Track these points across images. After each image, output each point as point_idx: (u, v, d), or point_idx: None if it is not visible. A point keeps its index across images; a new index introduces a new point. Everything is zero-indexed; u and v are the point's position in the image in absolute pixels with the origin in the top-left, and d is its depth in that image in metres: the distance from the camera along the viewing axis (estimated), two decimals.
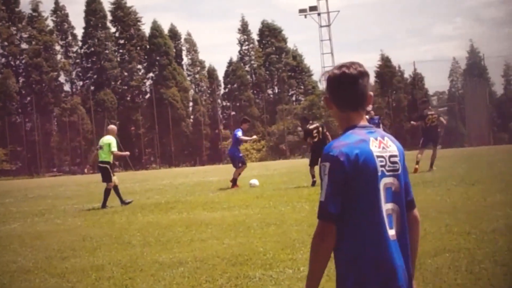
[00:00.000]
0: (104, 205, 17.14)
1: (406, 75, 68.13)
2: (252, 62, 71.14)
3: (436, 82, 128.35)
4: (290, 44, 72.12)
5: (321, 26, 65.34)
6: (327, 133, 19.94)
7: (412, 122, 22.83)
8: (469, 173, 18.07)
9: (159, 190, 21.94)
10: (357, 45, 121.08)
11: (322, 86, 67.53)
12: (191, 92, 70.38)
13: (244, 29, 71.76)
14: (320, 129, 19.50)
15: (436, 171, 19.55)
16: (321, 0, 65.20)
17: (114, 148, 17.50)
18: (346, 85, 3.19)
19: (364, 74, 3.20)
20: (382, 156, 3.18)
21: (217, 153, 65.16)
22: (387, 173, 3.18)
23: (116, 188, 17.45)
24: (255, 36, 71.84)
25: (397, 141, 3.35)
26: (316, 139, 19.25)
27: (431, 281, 6.58)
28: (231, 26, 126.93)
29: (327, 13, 65.16)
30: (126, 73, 68.28)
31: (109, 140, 17.59)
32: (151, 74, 68.77)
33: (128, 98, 68.47)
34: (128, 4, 69.05)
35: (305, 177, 22.33)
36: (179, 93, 65.78)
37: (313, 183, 18.64)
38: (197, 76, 71.29)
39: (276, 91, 71.40)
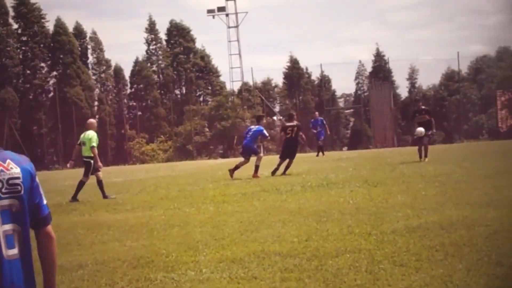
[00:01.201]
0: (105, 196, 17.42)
1: (314, 77, 69.03)
2: (160, 62, 70.47)
3: (343, 84, 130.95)
4: (198, 45, 71.84)
5: (229, 27, 65.42)
6: (301, 134, 21.79)
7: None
8: (372, 174, 18.40)
9: (60, 191, 21.42)
10: (265, 47, 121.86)
11: (231, 86, 67.75)
12: (96, 91, 69.21)
13: (151, 28, 70.98)
14: (295, 128, 21.05)
15: (340, 172, 19.83)
16: (230, 1, 65.27)
17: (93, 143, 17.55)
18: None
19: None
20: None
21: (122, 153, 64.30)
22: (3, 196, 3.29)
23: (100, 182, 17.61)
24: (163, 35, 71.30)
25: (29, 162, 3.48)
26: (289, 136, 20.89)
27: (332, 282, 6.63)
28: (138, 25, 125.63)
29: (235, 14, 65.32)
30: (28, 71, 66.52)
31: (89, 135, 17.69)
32: (54, 73, 67.21)
33: (31, 97, 66.68)
34: (32, 1, 67.35)
35: (211, 178, 22.29)
36: (84, 92, 64.55)
37: (273, 172, 20.85)
38: (102, 75, 70.10)
39: (184, 91, 71.02)
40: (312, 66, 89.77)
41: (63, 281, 7.63)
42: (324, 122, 34.00)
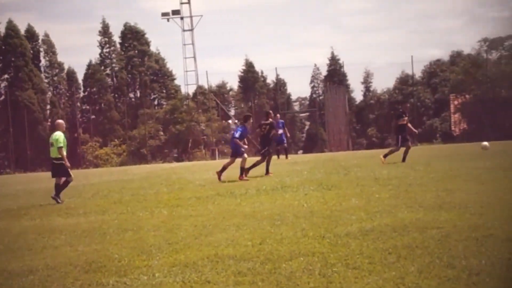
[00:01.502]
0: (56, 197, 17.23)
1: (269, 80, 69.23)
2: (114, 65, 69.97)
3: (298, 88, 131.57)
4: (153, 48, 71.53)
5: (184, 30, 65.27)
6: (273, 131, 22.31)
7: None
8: (327, 178, 18.47)
9: (11, 196, 21.11)
10: (221, 50, 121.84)
11: (186, 90, 67.54)
12: (49, 94, 68.36)
13: (105, 31, 70.35)
14: (268, 126, 21.70)
15: (295, 176, 19.87)
16: (184, 4, 65.09)
17: (60, 144, 17.44)
18: None
19: None
20: None
21: (75, 157, 63.58)
22: None
23: (59, 184, 17.55)
24: (117, 38, 70.74)
25: None
26: (262, 133, 21.64)
27: (285, 285, 6.62)
28: (91, 28, 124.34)
29: (190, 17, 65.17)
30: None
31: (57, 136, 17.55)
32: (6, 76, 66.23)
33: None
34: None
35: (165, 182, 22.17)
36: (36, 95, 63.74)
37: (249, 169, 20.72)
38: (55, 78, 69.30)
39: (138, 95, 70.59)
40: (268, 69, 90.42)
41: (13, 286, 7.51)
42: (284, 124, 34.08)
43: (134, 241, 9.97)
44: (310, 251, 8.03)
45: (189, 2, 65.19)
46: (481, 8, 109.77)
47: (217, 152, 58.75)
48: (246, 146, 20.79)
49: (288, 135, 34.49)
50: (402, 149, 23.08)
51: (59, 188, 17.51)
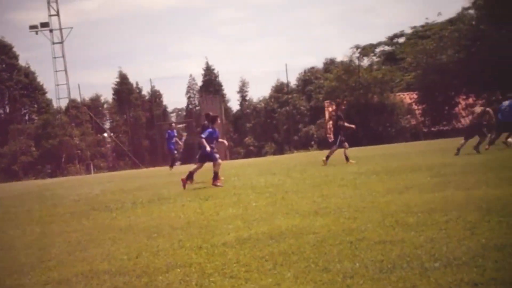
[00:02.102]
0: None
1: (144, 92, 68.50)
2: None
3: (175, 99, 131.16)
4: (22, 61, 69.38)
5: (53, 43, 63.65)
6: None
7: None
8: (204, 188, 18.40)
9: None
10: (93, 63, 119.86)
11: (57, 104, 65.85)
12: None
13: None
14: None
15: (172, 188, 19.65)
16: (53, 17, 63.52)
17: None
18: None
19: None
20: None
21: None
22: None
23: None
24: None
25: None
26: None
27: None
28: None
29: (59, 30, 63.65)
30: None
31: None
32: None
33: None
34: None
35: (38, 198, 21.47)
36: None
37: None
38: None
39: (8, 110, 68.27)
40: (142, 81, 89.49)
41: None
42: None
43: (5, 261, 9.59)
44: (187, 262, 7.94)
45: (58, 15, 63.67)
46: (353, 16, 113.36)
47: (92, 167, 57.59)
48: (209, 148, 18.92)
49: (181, 144, 34.23)
50: (340, 151, 23.62)
51: None
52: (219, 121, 20.88)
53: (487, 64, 45.73)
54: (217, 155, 19.37)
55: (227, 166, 32.58)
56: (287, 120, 62.08)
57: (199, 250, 8.69)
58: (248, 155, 60.26)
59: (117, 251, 9.26)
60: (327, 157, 23.77)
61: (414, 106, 53.98)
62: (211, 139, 19.19)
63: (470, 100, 50.40)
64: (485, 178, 13.60)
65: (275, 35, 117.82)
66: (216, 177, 18.87)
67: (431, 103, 51.85)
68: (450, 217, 9.27)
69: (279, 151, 57.86)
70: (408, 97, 55.92)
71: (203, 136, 19.23)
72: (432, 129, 52.38)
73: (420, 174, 16.17)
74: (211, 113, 20.72)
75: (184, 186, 18.76)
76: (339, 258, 7.38)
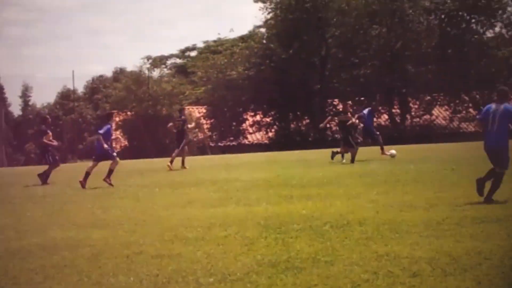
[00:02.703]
0: None
1: None
2: None
3: None
4: None
5: None
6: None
7: None
8: None
9: None
10: None
11: None
12: None
13: None
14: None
15: None
16: None
17: None
18: None
19: None
20: None
21: None
22: None
23: None
24: None
25: None
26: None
27: None
28: None
29: None
30: None
31: None
32: None
33: None
34: None
35: None
36: None
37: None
38: None
39: None
40: None
41: None
42: None
43: None
44: None
45: None
46: (146, 27, 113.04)
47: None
48: (106, 146, 18.23)
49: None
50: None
51: None
52: (114, 117, 20.90)
53: (275, 82, 47.63)
54: (115, 153, 19.11)
55: (7, 172, 31.03)
56: (72, 128, 60.56)
57: None
58: (28, 162, 57.92)
59: None
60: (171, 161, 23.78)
61: (203, 120, 54.65)
62: (108, 135, 18.76)
63: (258, 117, 51.88)
64: (266, 195, 13.91)
65: (63, 40, 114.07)
66: (109, 174, 18.35)
67: (220, 118, 52.78)
68: (229, 232, 9.35)
69: (62, 160, 56.13)
70: (197, 111, 56.56)
71: (101, 132, 18.72)
72: (219, 144, 53.28)
73: (203, 188, 16.24)
74: (109, 111, 21.61)
75: (107, 181, 18.12)
76: (113, 272, 7.19)
